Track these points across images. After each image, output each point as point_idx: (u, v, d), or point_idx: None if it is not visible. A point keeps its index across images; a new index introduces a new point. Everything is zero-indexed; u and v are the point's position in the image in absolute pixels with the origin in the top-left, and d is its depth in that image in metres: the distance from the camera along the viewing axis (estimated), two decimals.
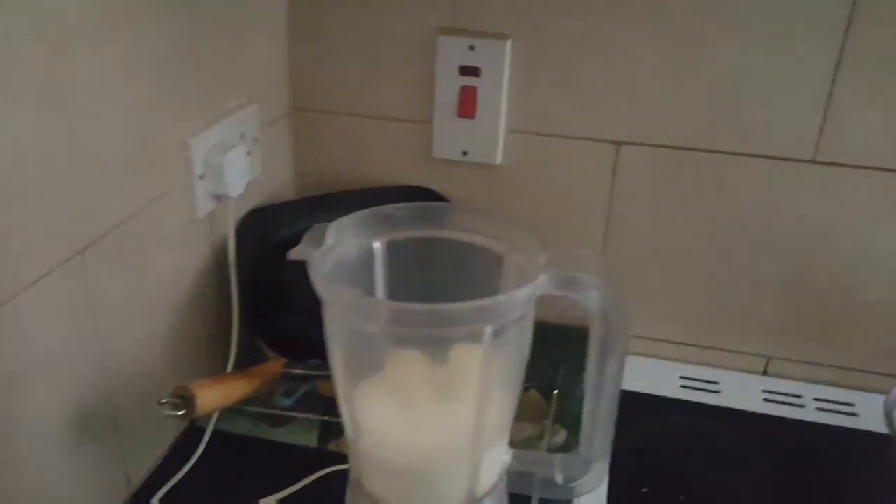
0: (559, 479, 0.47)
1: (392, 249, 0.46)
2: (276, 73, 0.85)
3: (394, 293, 0.48)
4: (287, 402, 0.64)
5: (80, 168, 0.56)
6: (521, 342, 0.43)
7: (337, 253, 0.44)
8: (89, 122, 0.56)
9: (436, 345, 0.44)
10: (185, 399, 0.58)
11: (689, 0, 0.74)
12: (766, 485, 0.75)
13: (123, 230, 0.61)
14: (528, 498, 0.53)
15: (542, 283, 0.41)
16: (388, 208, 0.46)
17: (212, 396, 0.59)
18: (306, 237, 0.44)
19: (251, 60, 0.79)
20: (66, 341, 0.57)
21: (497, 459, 0.47)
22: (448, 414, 0.46)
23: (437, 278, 0.48)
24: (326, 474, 0.69)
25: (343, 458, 0.71)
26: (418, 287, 0.46)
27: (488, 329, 0.40)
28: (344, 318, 0.42)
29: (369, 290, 0.48)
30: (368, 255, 0.47)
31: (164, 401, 0.58)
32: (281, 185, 0.90)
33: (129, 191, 0.62)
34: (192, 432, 0.75)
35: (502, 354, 0.42)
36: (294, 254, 0.43)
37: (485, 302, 0.39)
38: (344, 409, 0.45)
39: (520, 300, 0.40)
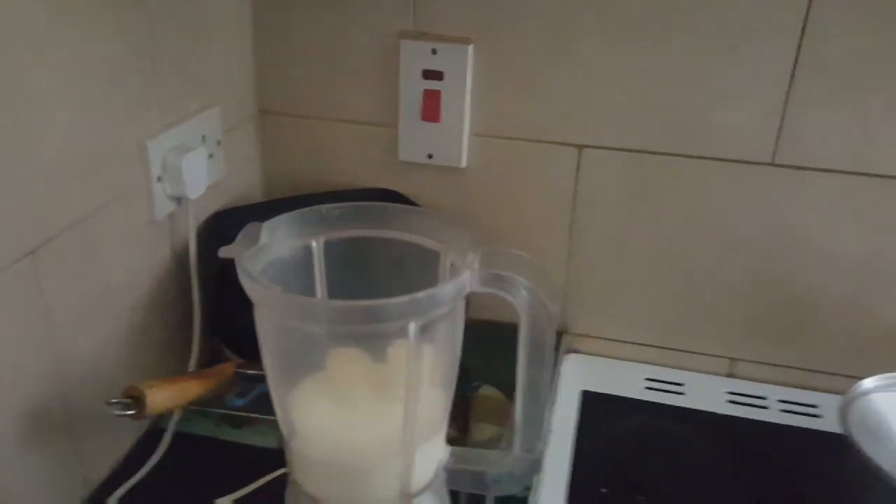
0: (492, 475, 0.47)
1: (329, 249, 0.47)
2: (240, 76, 0.86)
3: (332, 292, 0.49)
4: (240, 402, 0.65)
5: (28, 169, 0.56)
6: (451, 339, 0.43)
7: (271, 252, 0.44)
8: (38, 124, 0.56)
9: (373, 342, 0.45)
10: (135, 399, 0.58)
11: (646, 4, 0.75)
12: (728, 486, 0.75)
13: (77, 231, 0.62)
14: (474, 495, 0.53)
15: (468, 280, 0.42)
16: (323, 208, 0.47)
17: (163, 397, 0.59)
18: (240, 236, 0.44)
19: (214, 63, 0.80)
20: (16, 342, 0.57)
21: (432, 456, 0.47)
22: (384, 411, 0.46)
23: (375, 277, 0.48)
24: (283, 474, 0.69)
25: None
26: (356, 286, 0.47)
27: (412, 324, 0.40)
28: (274, 317, 0.42)
29: (307, 290, 0.48)
30: (305, 255, 0.47)
31: (114, 400, 0.58)
32: (248, 187, 0.90)
33: (83, 192, 0.62)
34: (153, 433, 0.75)
35: (432, 350, 0.42)
36: (224, 251, 0.43)
37: (408, 297, 0.39)
38: (278, 411, 0.46)
39: (446, 295, 0.41)
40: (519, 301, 0.42)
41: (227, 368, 0.64)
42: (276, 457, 0.72)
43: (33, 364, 0.60)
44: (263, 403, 0.70)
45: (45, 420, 0.61)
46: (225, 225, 0.81)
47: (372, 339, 0.44)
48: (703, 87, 0.77)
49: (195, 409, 0.76)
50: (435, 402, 0.45)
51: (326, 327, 0.41)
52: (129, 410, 0.58)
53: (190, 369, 0.74)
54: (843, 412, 0.68)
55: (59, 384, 0.62)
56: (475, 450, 0.49)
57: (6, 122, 0.53)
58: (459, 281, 0.41)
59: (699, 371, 0.90)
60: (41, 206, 0.58)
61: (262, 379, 0.64)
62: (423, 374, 0.43)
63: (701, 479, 0.76)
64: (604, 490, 0.73)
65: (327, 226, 0.47)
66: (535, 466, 0.47)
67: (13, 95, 0.54)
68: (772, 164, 0.78)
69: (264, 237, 0.45)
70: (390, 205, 0.48)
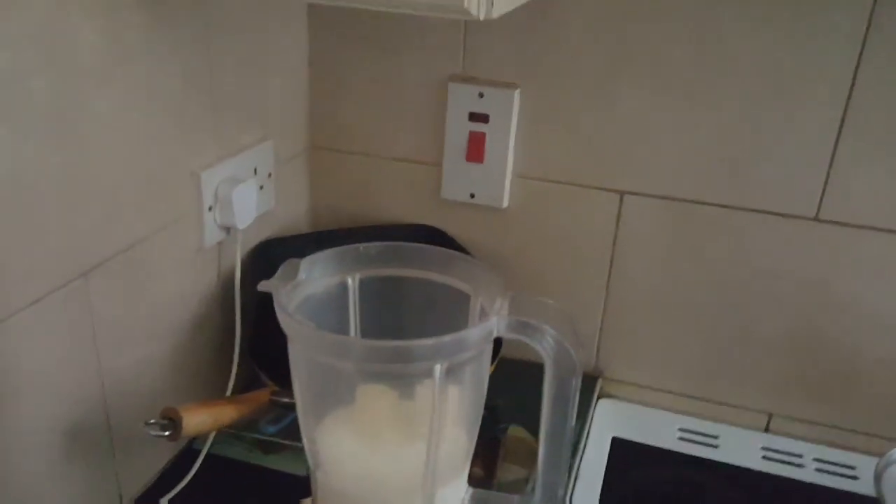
0: None
1: (364, 286, 0.48)
2: (294, 111, 0.89)
3: (365, 328, 0.50)
4: (272, 429, 0.66)
5: (86, 195, 0.59)
6: (477, 381, 0.44)
7: (307, 288, 0.46)
8: (97, 152, 0.59)
9: (401, 380, 0.46)
10: (171, 421, 0.60)
11: (694, 52, 0.76)
12: None
13: (129, 255, 0.65)
14: None
15: (496, 325, 0.43)
16: (360, 246, 0.48)
17: (198, 420, 0.61)
18: (279, 271, 0.46)
19: (270, 98, 0.83)
20: (63, 360, 0.60)
21: (453, 495, 0.48)
22: (409, 448, 0.47)
23: (408, 315, 0.49)
24: None
25: None
26: (389, 323, 0.48)
27: (438, 366, 0.41)
28: (306, 352, 0.44)
29: (341, 325, 0.50)
30: (341, 291, 0.49)
31: (151, 421, 0.60)
32: (296, 218, 0.93)
33: (137, 218, 0.65)
34: (188, 453, 0.77)
35: (458, 391, 0.43)
36: (263, 286, 0.45)
37: (435, 340, 0.40)
38: (306, 441, 0.47)
39: (472, 339, 0.42)
40: (544, 348, 0.43)
41: (262, 396, 0.66)
42: (304, 484, 0.74)
43: (78, 381, 0.62)
44: (294, 431, 0.72)
45: (86, 436, 0.64)
46: (271, 255, 0.84)
47: (400, 377, 0.46)
48: (749, 139, 0.77)
49: (230, 432, 0.78)
50: (458, 442, 0.46)
51: (356, 365, 0.42)
52: (165, 431, 0.59)
53: (228, 392, 0.76)
54: (879, 476, 0.67)
55: (101, 402, 0.65)
56: (496, 493, 0.50)
57: (69, 149, 0.57)
58: (486, 326, 0.42)
59: (735, 424, 0.88)
60: (97, 229, 0.61)
61: (294, 407, 0.66)
62: (447, 414, 0.44)
63: None
64: None
65: (364, 264, 0.49)
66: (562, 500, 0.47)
67: (77, 122, 0.57)
68: (816, 220, 0.78)
69: (302, 273, 0.46)
70: (426, 246, 0.49)
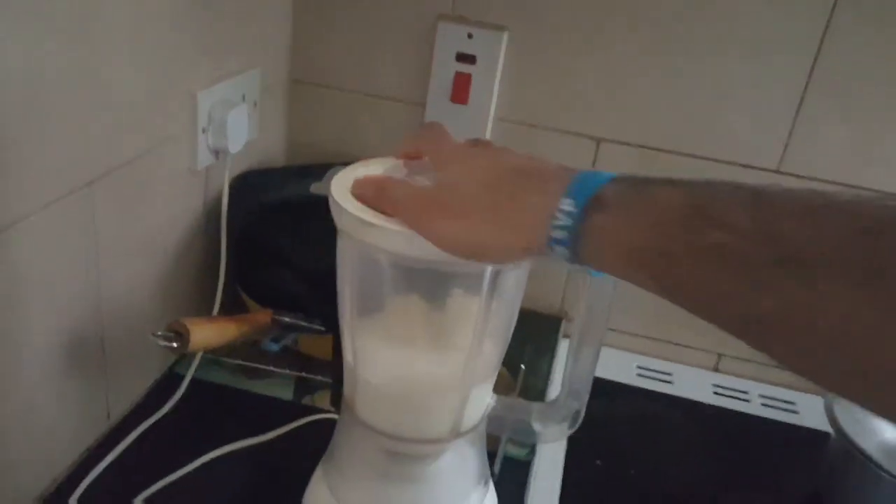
0: (536, 426, 0.51)
1: None
2: (277, 42, 0.88)
3: None
4: (275, 347, 0.67)
5: (97, 102, 0.58)
6: (515, 294, 0.47)
7: None
8: (109, 59, 0.59)
9: (435, 291, 0.48)
10: (179, 334, 0.60)
11: (676, 10, 0.80)
12: (711, 465, 0.80)
13: (129, 169, 0.64)
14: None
15: None
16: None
17: (204, 334, 0.62)
18: (327, 176, 0.47)
19: (257, 26, 0.82)
20: (66, 271, 0.59)
21: (482, 401, 0.50)
22: (441, 357, 0.49)
23: None
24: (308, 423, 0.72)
25: (313, 412, 0.74)
26: None
27: (489, 270, 0.44)
28: (358, 247, 0.45)
29: None
30: None
31: (159, 333, 0.60)
32: (272, 151, 0.93)
33: (137, 132, 0.64)
34: (171, 377, 0.77)
35: (497, 303, 0.46)
36: (315, 188, 0.46)
37: None
38: (346, 338, 0.49)
39: None
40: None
41: (263, 316, 0.67)
42: (291, 408, 0.75)
43: (78, 295, 0.61)
44: (289, 357, 0.73)
45: (81, 349, 0.63)
46: (253, 184, 0.84)
47: (436, 287, 0.48)
48: (720, 92, 0.82)
49: (211, 357, 0.78)
50: (492, 353, 0.49)
51: (411, 261, 0.44)
52: (173, 343, 0.60)
53: (214, 313, 0.76)
54: (829, 408, 0.73)
55: (97, 318, 0.64)
56: (521, 400, 0.53)
57: (83, 52, 0.55)
58: None
59: (688, 364, 0.95)
60: (104, 138, 0.60)
61: (295, 328, 0.67)
62: (487, 325, 0.46)
63: (687, 459, 0.81)
64: (598, 462, 0.78)
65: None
66: (577, 418, 0.51)
67: (91, 28, 0.56)
68: (777, 171, 0.83)
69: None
70: None
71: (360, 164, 0.48)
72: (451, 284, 0.47)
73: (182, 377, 0.76)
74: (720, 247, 0.33)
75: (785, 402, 0.91)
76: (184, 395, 0.74)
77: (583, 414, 0.51)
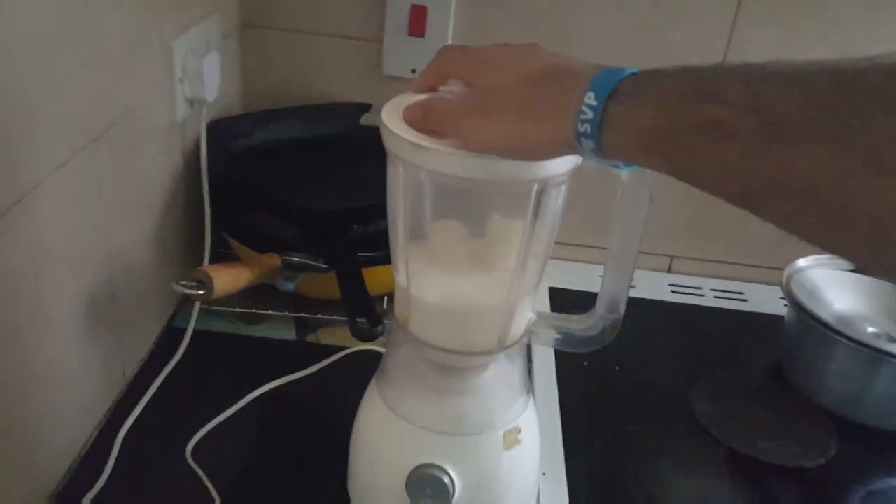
0: (575, 334, 0.55)
1: None
2: None
3: None
4: (290, 287, 0.69)
5: (92, 58, 0.57)
6: (554, 212, 0.50)
7: None
8: (98, 13, 0.57)
9: (475, 216, 0.51)
10: (202, 282, 0.61)
11: None
12: (680, 354, 0.89)
13: (122, 125, 0.63)
14: None
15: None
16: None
17: (224, 280, 0.63)
18: (372, 110, 0.49)
19: None
20: (80, 229, 0.59)
21: (525, 316, 0.54)
22: (485, 279, 0.53)
23: None
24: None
25: (324, 349, 0.77)
26: None
27: (535, 187, 0.47)
28: (402, 171, 0.47)
29: None
30: None
31: (183, 282, 0.61)
32: (230, 101, 0.92)
33: (125, 87, 0.63)
34: (171, 332, 0.77)
35: (539, 225, 0.49)
36: (365, 119, 0.48)
37: None
38: (400, 262, 0.51)
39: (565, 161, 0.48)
40: (623, 173, 0.50)
41: (272, 259, 0.68)
42: (297, 347, 0.78)
43: (91, 253, 0.61)
44: (309, 286, 0.74)
45: (95, 308, 0.63)
46: (224, 133, 0.83)
47: (476, 212, 0.51)
48: (662, 8, 0.87)
49: (206, 308, 0.79)
50: (533, 271, 0.52)
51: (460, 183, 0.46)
52: (199, 290, 0.61)
53: (205, 263, 0.76)
54: (787, 285, 0.82)
55: (108, 276, 0.64)
56: (559, 314, 0.57)
57: (79, 8, 0.54)
58: None
59: (644, 269, 1.02)
60: (101, 94, 0.59)
61: (304, 267, 0.69)
62: (529, 244, 0.50)
63: (658, 351, 0.89)
64: (585, 363, 0.84)
65: None
66: (615, 326, 0.55)
67: None
68: None
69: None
70: None
71: (412, 94, 0.50)
72: (495, 207, 0.51)
73: (181, 330, 0.76)
74: (715, 122, 0.35)
75: (735, 293, 1.00)
76: (188, 347, 0.75)
77: (620, 323, 0.55)
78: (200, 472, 0.62)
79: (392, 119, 0.47)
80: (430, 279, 0.52)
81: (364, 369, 0.60)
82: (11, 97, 0.48)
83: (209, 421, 0.66)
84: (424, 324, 0.53)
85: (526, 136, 0.43)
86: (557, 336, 0.56)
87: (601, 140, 0.40)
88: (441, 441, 0.54)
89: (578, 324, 0.56)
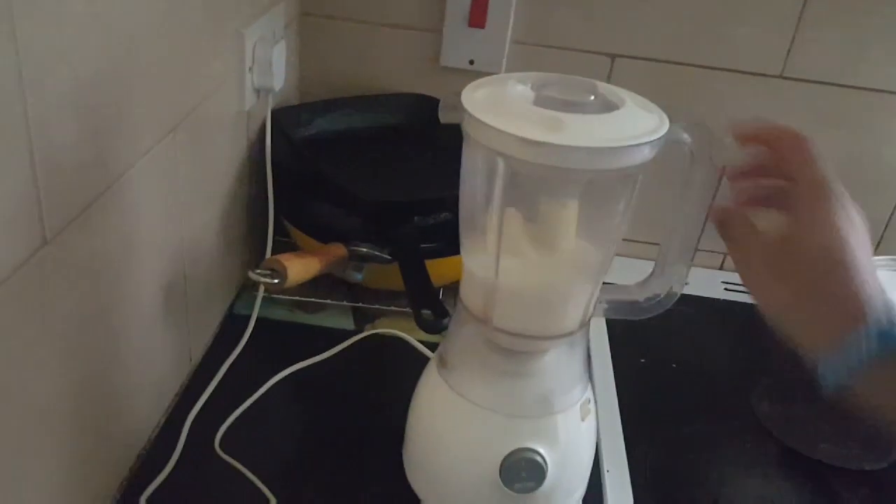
0: (643, 301, 0.56)
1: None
2: None
3: None
4: (358, 276, 0.69)
5: (174, 49, 0.57)
6: (620, 202, 0.51)
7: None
8: (180, 4, 0.57)
9: (529, 203, 0.51)
10: (276, 271, 0.62)
11: None
12: (734, 351, 0.88)
13: (197, 114, 0.63)
14: None
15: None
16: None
17: (297, 269, 0.63)
18: (444, 101, 0.49)
19: None
20: (161, 214, 0.60)
21: (594, 294, 0.55)
22: (547, 260, 0.53)
23: None
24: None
25: (379, 339, 0.77)
26: None
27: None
28: (489, 154, 0.47)
29: None
30: None
31: (258, 271, 0.61)
32: (287, 89, 0.92)
33: (202, 76, 0.64)
34: (233, 319, 0.78)
35: (597, 211, 0.50)
36: (444, 116, 0.48)
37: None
38: (469, 239, 0.52)
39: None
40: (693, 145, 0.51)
41: (338, 249, 0.68)
42: (351, 336, 0.78)
43: (168, 238, 0.62)
44: (371, 277, 0.75)
45: (171, 293, 0.64)
46: (285, 122, 0.83)
47: (530, 200, 0.51)
48: (727, 5, 0.86)
49: (266, 296, 0.79)
50: (596, 254, 0.53)
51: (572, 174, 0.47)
52: (274, 279, 0.61)
53: (268, 253, 0.77)
54: None
55: (182, 260, 0.65)
56: (621, 284, 0.58)
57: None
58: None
59: (696, 266, 1.01)
60: (179, 83, 0.59)
61: (369, 257, 0.69)
62: (584, 230, 0.50)
63: (713, 348, 0.88)
64: (643, 360, 0.84)
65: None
66: (679, 290, 0.56)
67: None
68: (781, 77, 0.89)
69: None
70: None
71: (493, 79, 0.50)
72: (571, 194, 0.51)
73: (243, 317, 0.77)
74: None
75: None
76: (251, 335, 0.75)
77: (676, 297, 0.57)
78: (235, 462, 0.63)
79: (470, 101, 0.47)
80: (508, 265, 0.52)
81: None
82: (110, 87, 0.48)
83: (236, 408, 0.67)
84: (507, 311, 0.53)
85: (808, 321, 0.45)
86: (625, 306, 0.57)
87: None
88: (528, 424, 0.55)
89: (639, 292, 0.56)
